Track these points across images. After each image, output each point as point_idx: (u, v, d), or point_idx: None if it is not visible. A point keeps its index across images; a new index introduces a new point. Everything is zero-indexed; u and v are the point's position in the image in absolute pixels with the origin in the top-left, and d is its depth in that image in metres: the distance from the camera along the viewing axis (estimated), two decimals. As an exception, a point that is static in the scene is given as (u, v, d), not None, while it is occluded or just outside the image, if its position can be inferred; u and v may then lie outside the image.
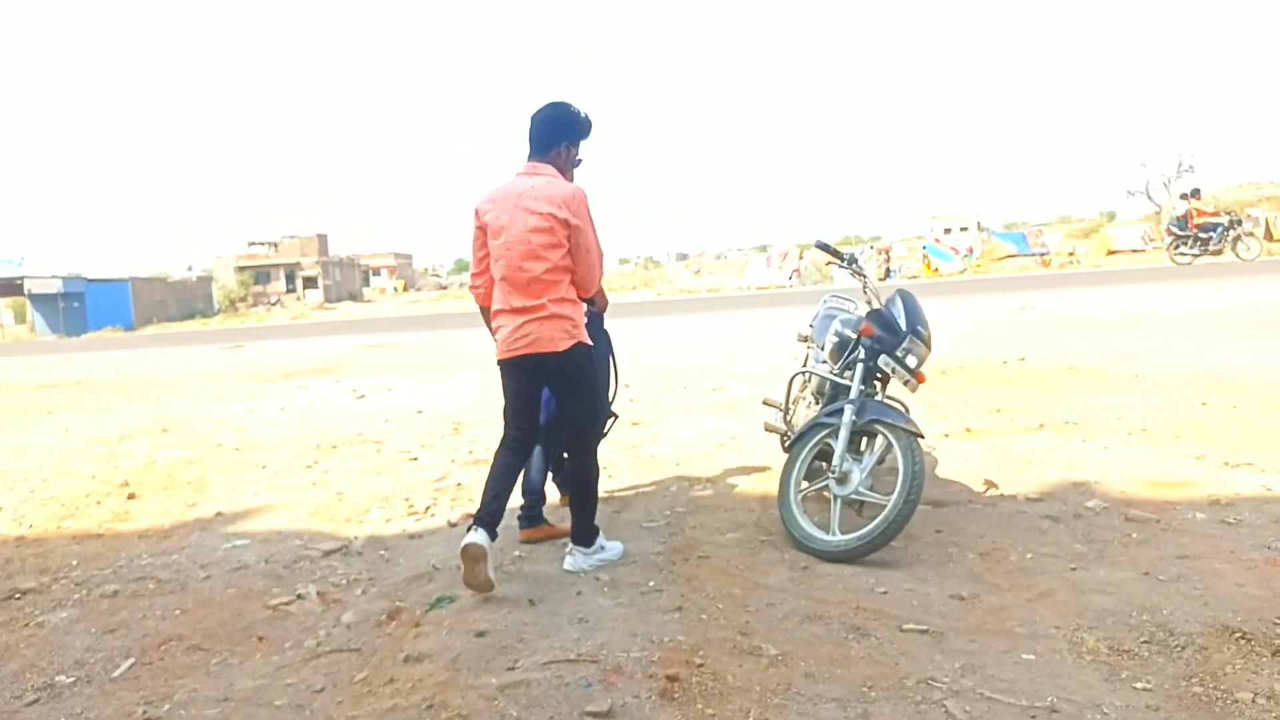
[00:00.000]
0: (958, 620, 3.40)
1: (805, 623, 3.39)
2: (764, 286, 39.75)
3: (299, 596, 3.97)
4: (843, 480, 4.13)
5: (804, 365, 5.24)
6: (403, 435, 7.52)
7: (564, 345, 3.85)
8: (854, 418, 4.17)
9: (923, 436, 4.14)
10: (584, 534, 4.07)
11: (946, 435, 6.36)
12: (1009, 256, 46.12)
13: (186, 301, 62.85)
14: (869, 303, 4.66)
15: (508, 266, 3.85)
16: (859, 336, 4.45)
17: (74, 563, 4.62)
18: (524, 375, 3.96)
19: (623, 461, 6.06)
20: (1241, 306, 12.29)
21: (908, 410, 4.65)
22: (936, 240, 48.76)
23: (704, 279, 56.96)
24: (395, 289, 76.07)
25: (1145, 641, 3.15)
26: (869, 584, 3.73)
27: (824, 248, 4.86)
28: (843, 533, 4.03)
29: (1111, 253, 44.43)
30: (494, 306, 3.98)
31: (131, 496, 5.91)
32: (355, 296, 68.50)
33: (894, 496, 3.92)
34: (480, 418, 8.16)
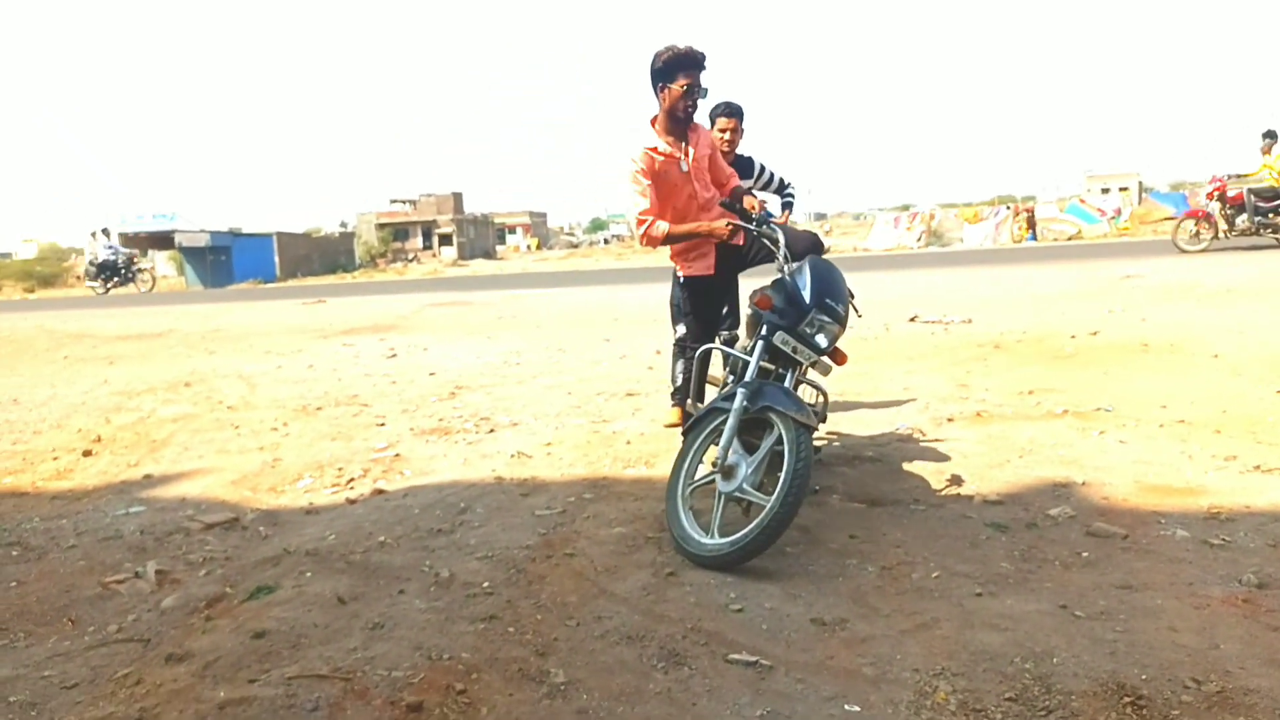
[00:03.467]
0: (803, 652, 2.85)
1: (620, 644, 2.91)
2: (890, 249, 38.17)
3: (136, 575, 3.73)
4: (728, 474, 3.58)
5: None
6: (395, 398, 7.29)
7: None
8: (745, 404, 3.60)
9: (814, 428, 3.54)
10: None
11: (950, 420, 5.64)
12: (1166, 219, 42.77)
13: (330, 256, 65.20)
14: (780, 271, 4.05)
15: None
16: (756, 309, 3.87)
17: (-32, 522, 4.54)
18: None
19: (577, 436, 5.62)
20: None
21: (826, 395, 4.05)
22: (1081, 200, 45.65)
23: (832, 239, 55.32)
24: (528, 247, 77.02)
25: (1009, 699, 2.54)
26: (728, 598, 3.20)
27: (728, 206, 4.27)
28: (723, 535, 3.50)
29: (1282, 215, 40.67)
30: None
31: (87, 453, 5.87)
32: (489, 254, 69.65)
33: (773, 498, 3.36)
34: (486, 382, 7.86)
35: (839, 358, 3.91)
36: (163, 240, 50.77)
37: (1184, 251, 16.11)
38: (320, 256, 64.16)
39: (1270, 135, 15.40)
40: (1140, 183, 66.89)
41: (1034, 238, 38.78)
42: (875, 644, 2.88)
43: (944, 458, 4.81)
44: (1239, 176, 16.10)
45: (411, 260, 65.75)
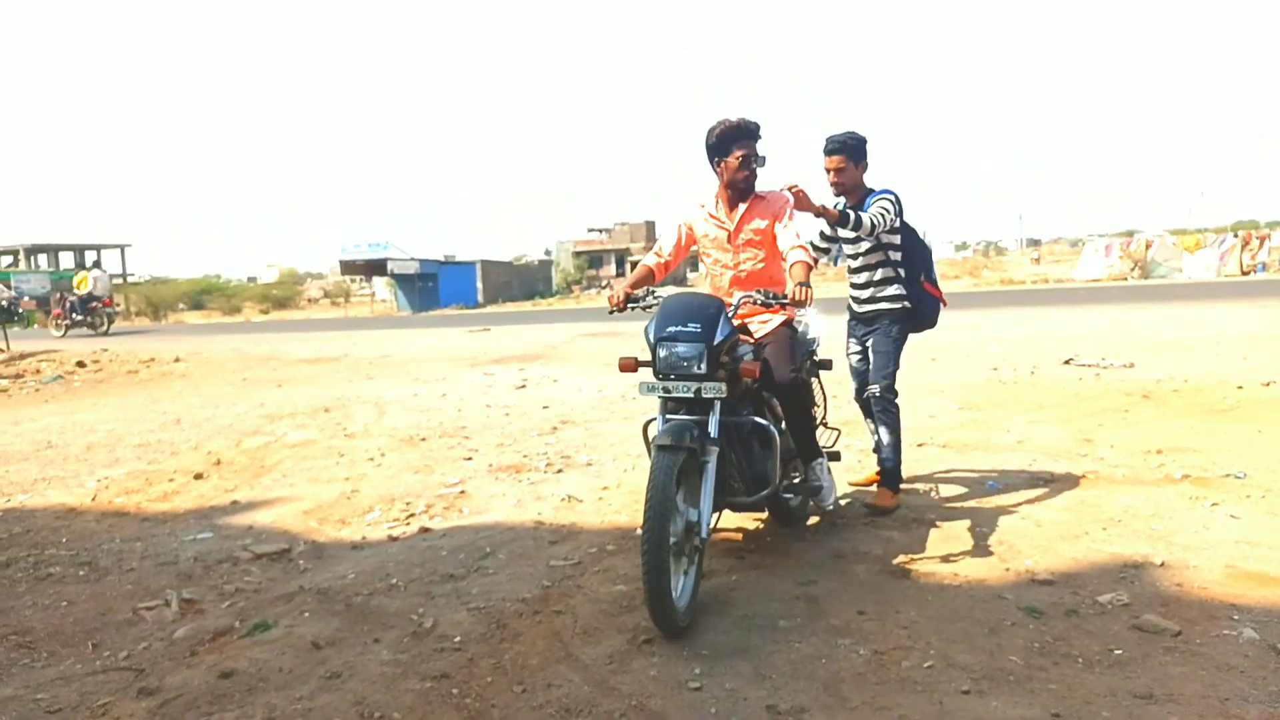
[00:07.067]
0: (741, 744, 2.63)
1: (554, 718, 2.78)
2: (1096, 279, 35.56)
3: (166, 603, 3.93)
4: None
5: None
6: (499, 431, 7.42)
7: None
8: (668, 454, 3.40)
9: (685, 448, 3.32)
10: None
11: (1049, 480, 5.15)
12: None
13: (529, 283, 67.93)
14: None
15: None
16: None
17: (64, 540, 4.95)
18: None
19: (639, 481, 5.47)
20: None
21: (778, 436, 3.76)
22: (1324, 228, 41.06)
23: (1042, 268, 52.34)
24: (721, 274, 77.30)
25: (938, 823, 2.23)
26: (691, 674, 3.02)
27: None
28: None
29: None
30: None
31: (198, 476, 6.29)
32: (679, 281, 70.48)
33: None
34: (593, 418, 7.88)
35: (746, 371, 3.63)
36: (378, 268, 54.41)
37: None
38: (520, 283, 66.88)
39: None
40: None
41: (1263, 269, 35.23)
42: (823, 742, 2.62)
43: (1015, 526, 4.37)
44: None
45: (605, 287, 67.43)
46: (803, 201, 4.20)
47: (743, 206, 4.18)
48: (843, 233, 4.70)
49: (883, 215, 4.48)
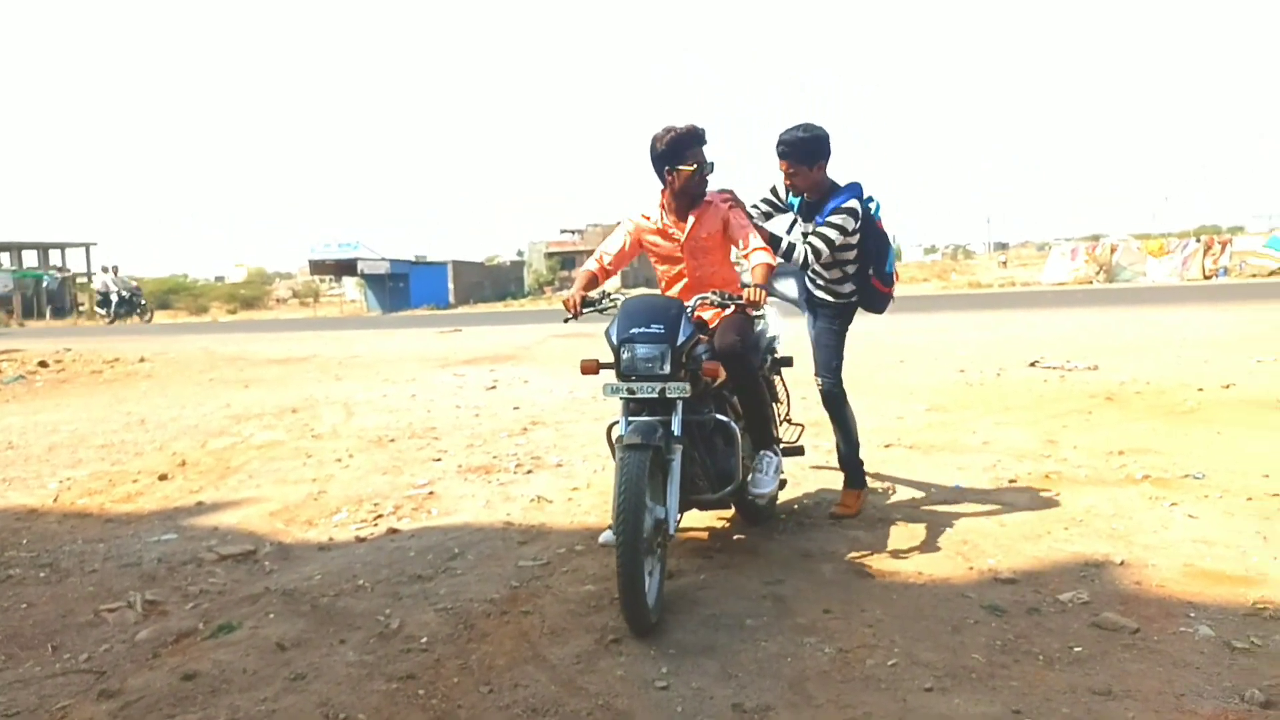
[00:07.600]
0: (706, 742, 2.65)
1: (520, 718, 2.78)
2: (1062, 283, 35.91)
3: (128, 605, 3.89)
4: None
5: None
6: (469, 432, 7.40)
7: None
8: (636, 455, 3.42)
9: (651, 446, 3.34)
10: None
11: (1012, 481, 5.21)
12: (1391, 253, 38.54)
13: (501, 284, 67.70)
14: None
15: None
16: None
17: (24, 541, 4.88)
18: None
19: (609, 481, 5.49)
20: None
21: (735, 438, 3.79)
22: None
23: (1009, 271, 52.89)
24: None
25: (900, 819, 2.26)
26: (658, 673, 3.03)
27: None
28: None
29: None
30: None
31: (163, 478, 6.22)
32: (651, 282, 70.72)
33: None
34: (563, 418, 7.87)
35: (707, 371, 3.69)
36: (348, 268, 54.04)
37: None
38: (492, 284, 66.64)
39: None
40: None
41: (1225, 273, 35.81)
42: (787, 739, 2.64)
43: (979, 525, 4.43)
44: None
45: (576, 289, 67.29)
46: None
47: (692, 215, 4.16)
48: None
49: (827, 244, 4.32)
